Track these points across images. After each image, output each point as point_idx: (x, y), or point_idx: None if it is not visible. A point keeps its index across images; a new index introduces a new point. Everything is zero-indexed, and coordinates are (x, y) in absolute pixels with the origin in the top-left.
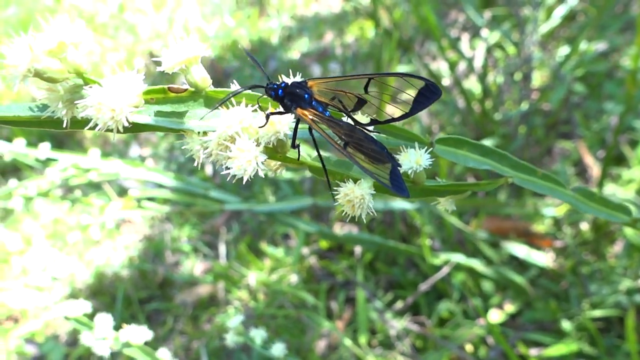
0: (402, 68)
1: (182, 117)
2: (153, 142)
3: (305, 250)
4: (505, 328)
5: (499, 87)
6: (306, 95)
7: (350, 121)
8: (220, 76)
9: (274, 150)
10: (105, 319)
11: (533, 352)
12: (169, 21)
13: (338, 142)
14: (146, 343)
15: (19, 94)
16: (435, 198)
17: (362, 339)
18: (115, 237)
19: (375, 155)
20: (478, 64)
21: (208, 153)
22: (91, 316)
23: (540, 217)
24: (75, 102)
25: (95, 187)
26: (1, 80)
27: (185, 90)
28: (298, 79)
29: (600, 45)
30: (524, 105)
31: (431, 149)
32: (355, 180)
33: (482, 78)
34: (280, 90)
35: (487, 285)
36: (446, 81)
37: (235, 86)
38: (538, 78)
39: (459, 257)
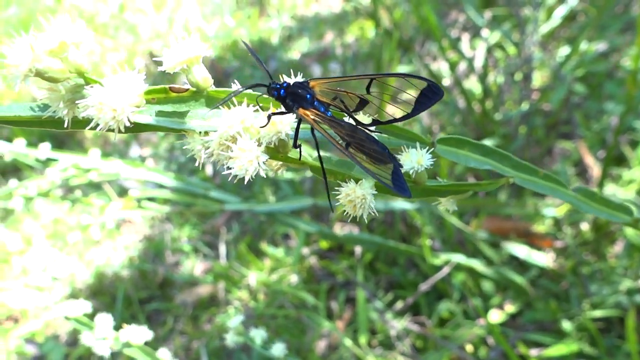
0: (402, 68)
1: (183, 117)
2: (153, 142)
3: (305, 251)
4: (505, 328)
5: (500, 87)
6: (308, 96)
7: (351, 121)
8: (220, 76)
9: (276, 150)
10: (105, 319)
11: (533, 352)
12: (169, 21)
13: (340, 143)
14: (146, 343)
15: (19, 94)
16: (437, 198)
17: (362, 339)
18: (116, 237)
19: (376, 155)
20: (478, 64)
21: (209, 153)
22: (91, 316)
23: (540, 217)
24: (77, 101)
25: (96, 187)
26: (1, 80)
27: (187, 90)
28: (299, 79)
29: (600, 46)
30: (525, 106)
31: (432, 149)
32: (356, 181)
33: (482, 78)
34: (282, 91)
35: (487, 286)
36: (446, 81)
37: (236, 86)
38: (538, 78)
39: (459, 258)
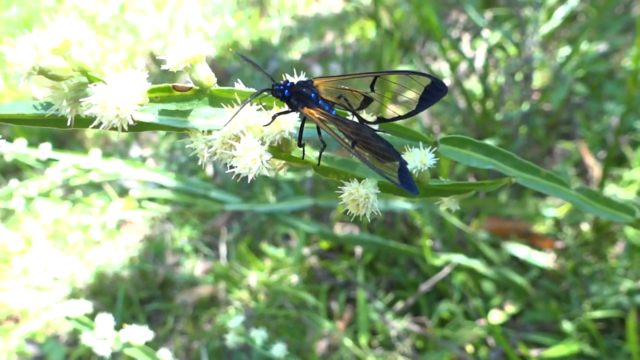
0: (403, 68)
1: (186, 115)
2: (154, 142)
3: (305, 251)
4: (505, 329)
5: (500, 88)
6: (313, 95)
7: (356, 119)
8: (221, 76)
9: (279, 149)
10: (106, 319)
11: (534, 352)
12: (169, 21)
13: (346, 141)
14: (147, 343)
15: (19, 94)
16: (439, 198)
17: (363, 340)
18: (116, 237)
19: (382, 153)
20: (479, 64)
21: (212, 152)
22: (92, 316)
23: (541, 217)
24: (80, 100)
25: (96, 187)
26: (2, 80)
27: (190, 88)
28: (303, 78)
29: (601, 46)
30: (525, 106)
31: (435, 148)
32: (359, 180)
33: (483, 78)
34: (286, 91)
35: (487, 286)
36: (447, 81)
37: (239, 85)
38: (539, 78)
39: (459, 258)
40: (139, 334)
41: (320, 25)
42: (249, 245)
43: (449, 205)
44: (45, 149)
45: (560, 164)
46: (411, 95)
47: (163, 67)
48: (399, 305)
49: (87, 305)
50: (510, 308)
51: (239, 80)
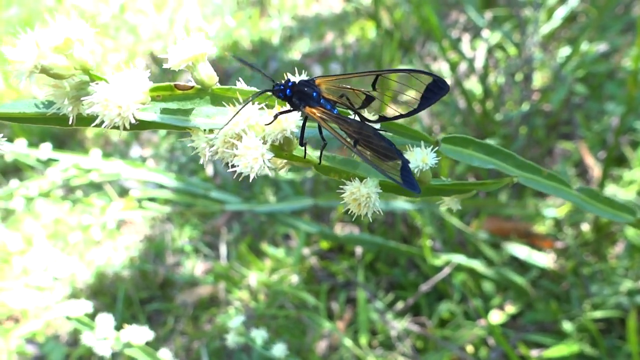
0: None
1: (188, 114)
2: (154, 142)
3: (306, 251)
4: (506, 329)
5: (500, 88)
6: (314, 94)
7: (357, 118)
8: (221, 76)
9: (280, 148)
10: (106, 319)
11: (534, 353)
12: (170, 22)
13: (348, 140)
14: (147, 343)
15: (19, 94)
16: (441, 197)
17: (363, 340)
18: (116, 237)
19: (384, 152)
20: (479, 64)
21: (214, 151)
22: (92, 316)
23: (541, 218)
24: (82, 98)
25: (97, 187)
26: (2, 80)
27: (192, 87)
28: (304, 77)
29: (601, 46)
30: (525, 106)
31: (437, 147)
32: (361, 179)
33: (483, 79)
34: (288, 90)
35: (488, 286)
36: (447, 82)
37: (240, 84)
38: (539, 79)
39: (459, 258)
40: (139, 334)
41: (320, 26)
42: (249, 245)
43: (451, 204)
44: (46, 149)
45: (561, 164)
46: (413, 93)
47: (165, 65)
48: (399, 305)
49: (88, 305)
50: (511, 308)
51: (240, 79)
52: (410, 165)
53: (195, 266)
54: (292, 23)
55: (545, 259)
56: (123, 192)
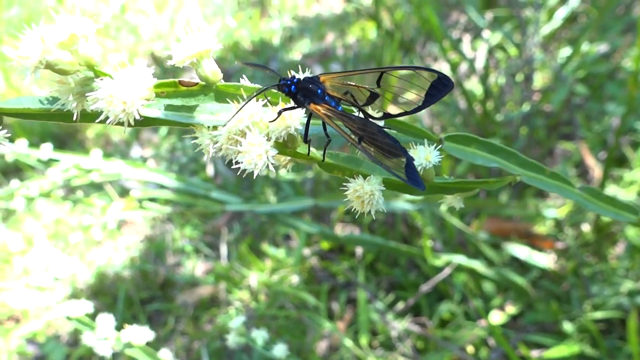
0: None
1: (192, 111)
2: (155, 142)
3: (306, 251)
4: (506, 329)
5: (501, 88)
6: (319, 91)
7: (362, 115)
8: (222, 76)
9: (284, 145)
10: (106, 319)
11: (534, 353)
12: (170, 22)
13: (352, 137)
14: (148, 343)
15: (20, 94)
16: (443, 195)
17: (363, 340)
18: (117, 237)
19: (389, 148)
20: (479, 65)
21: (218, 147)
22: (92, 316)
23: (541, 218)
24: (87, 94)
25: (97, 187)
26: (3, 81)
27: (197, 84)
28: (308, 74)
29: (601, 47)
30: (526, 107)
31: (440, 145)
32: (364, 177)
33: (483, 79)
34: (293, 87)
35: (488, 287)
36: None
37: (244, 81)
38: (539, 79)
39: (460, 259)
40: (140, 334)
41: (321, 26)
42: (250, 245)
43: (453, 203)
44: (46, 149)
45: (561, 165)
46: (417, 90)
47: (169, 62)
48: (400, 305)
49: (88, 306)
50: (511, 309)
51: (243, 76)
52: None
53: (195, 266)
54: (293, 23)
55: (545, 260)
56: (124, 192)
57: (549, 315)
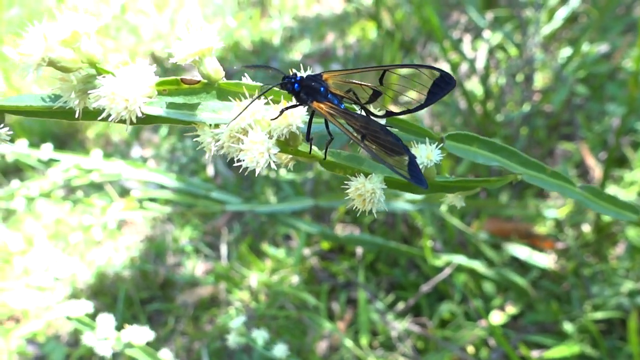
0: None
1: (194, 109)
2: (155, 143)
3: (306, 251)
4: (506, 329)
5: (501, 89)
6: (322, 89)
7: (364, 113)
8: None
9: (286, 143)
10: (107, 320)
11: (535, 353)
12: (171, 22)
13: (355, 135)
14: (148, 343)
15: (20, 93)
16: (444, 194)
17: (364, 340)
18: (117, 237)
19: (391, 146)
20: (480, 65)
21: (220, 145)
22: (93, 316)
23: (542, 218)
24: (89, 92)
25: (97, 187)
26: (4, 81)
27: (199, 81)
28: (310, 72)
29: (602, 47)
30: (526, 107)
31: (442, 144)
32: (366, 175)
33: (484, 79)
34: (296, 85)
35: (488, 287)
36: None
37: (246, 79)
38: (540, 79)
39: (460, 259)
40: (140, 334)
41: (321, 26)
42: (250, 245)
43: (455, 201)
44: (47, 150)
45: (561, 165)
46: (420, 88)
47: (171, 60)
48: (400, 305)
49: (88, 306)
50: (511, 309)
51: (245, 74)
52: None
53: (195, 266)
54: (293, 23)
55: (546, 260)
56: (124, 192)
57: (549, 316)
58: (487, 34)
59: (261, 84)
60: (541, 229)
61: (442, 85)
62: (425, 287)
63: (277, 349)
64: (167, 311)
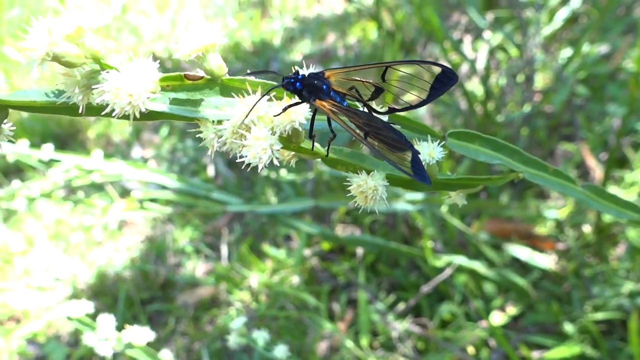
0: (404, 69)
1: (197, 105)
2: (155, 143)
3: (307, 252)
4: (507, 330)
5: (502, 89)
6: (324, 86)
7: (366, 110)
8: None
9: (288, 140)
10: (107, 320)
11: (535, 354)
12: (171, 23)
13: (357, 132)
14: (148, 344)
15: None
16: (446, 193)
17: (364, 341)
18: (117, 238)
19: (394, 143)
20: (480, 65)
21: (222, 142)
22: (93, 317)
23: (542, 219)
24: (93, 87)
25: (98, 188)
26: (4, 81)
27: (202, 77)
28: (312, 69)
29: (602, 48)
30: (527, 107)
31: (443, 142)
32: (368, 172)
33: (484, 80)
34: (298, 84)
35: (489, 288)
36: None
37: (250, 76)
38: (540, 80)
39: (461, 259)
40: (141, 334)
41: (321, 27)
42: (250, 246)
43: (456, 199)
44: (48, 150)
45: (562, 166)
46: (422, 84)
47: (175, 56)
48: (400, 306)
49: (89, 306)
50: (512, 309)
51: (248, 70)
52: None
53: (196, 267)
54: (294, 24)
55: (546, 261)
56: (124, 192)
57: (549, 316)
58: (487, 34)
59: (264, 81)
60: (542, 229)
61: (445, 81)
62: (425, 288)
63: (278, 350)
64: (168, 312)
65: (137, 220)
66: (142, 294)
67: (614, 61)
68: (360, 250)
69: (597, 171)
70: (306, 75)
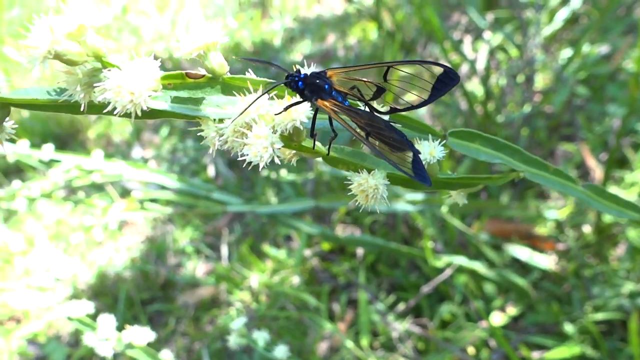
0: (404, 69)
1: (198, 103)
2: (156, 143)
3: (307, 252)
4: (507, 331)
5: (502, 90)
6: (326, 86)
7: (368, 110)
8: None
9: (289, 139)
10: (107, 320)
11: (535, 354)
12: (172, 23)
13: (358, 131)
14: (148, 344)
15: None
16: (447, 192)
17: (364, 341)
18: (118, 238)
19: (395, 143)
20: (480, 66)
21: (224, 140)
22: (93, 317)
23: (542, 219)
24: (94, 85)
25: (98, 188)
26: (4, 81)
27: (203, 76)
28: (314, 68)
29: (602, 48)
30: (527, 108)
31: (444, 141)
32: (369, 171)
33: (484, 80)
34: (300, 83)
35: (489, 288)
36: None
37: (250, 74)
38: (540, 80)
39: (461, 260)
40: (141, 334)
41: (322, 27)
42: (251, 246)
43: (457, 198)
44: (48, 150)
45: (562, 166)
46: (424, 84)
47: (176, 54)
48: (401, 306)
49: (89, 306)
50: (512, 310)
51: (249, 70)
52: None
53: (196, 267)
54: (294, 24)
55: (546, 261)
56: (125, 193)
57: (550, 317)
58: (487, 35)
59: (265, 79)
60: (542, 230)
61: (446, 81)
62: (426, 288)
63: (278, 350)
64: (168, 312)
65: (138, 221)
66: (143, 294)
67: (614, 62)
68: (360, 251)
69: (597, 171)
70: (308, 74)
